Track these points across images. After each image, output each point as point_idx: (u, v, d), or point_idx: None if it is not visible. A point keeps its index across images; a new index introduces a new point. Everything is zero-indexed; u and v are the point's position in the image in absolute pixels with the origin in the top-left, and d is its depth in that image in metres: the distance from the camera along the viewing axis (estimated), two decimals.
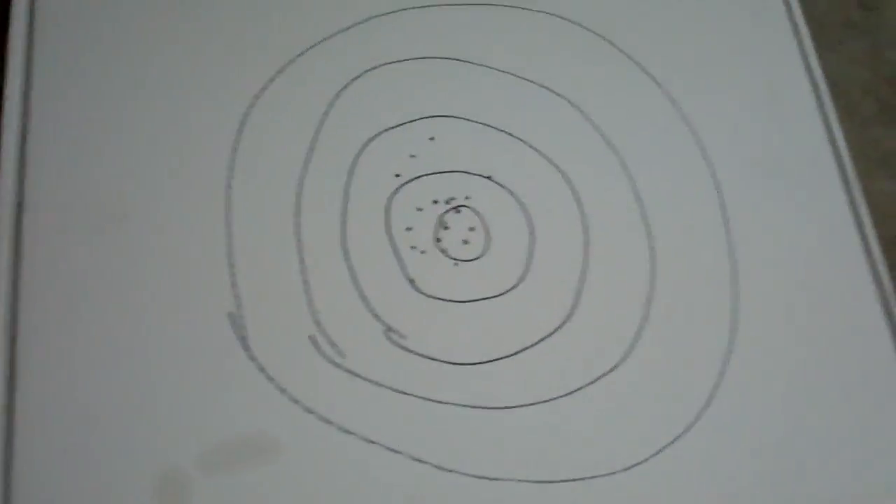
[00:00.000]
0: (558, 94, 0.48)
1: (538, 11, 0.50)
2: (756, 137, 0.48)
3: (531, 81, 0.48)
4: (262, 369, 0.39)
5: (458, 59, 0.48)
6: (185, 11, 0.46)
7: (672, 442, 0.41)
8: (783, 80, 0.50)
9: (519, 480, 0.39)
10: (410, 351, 0.41)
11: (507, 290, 0.43)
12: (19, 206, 0.41)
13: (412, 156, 0.45)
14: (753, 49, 0.51)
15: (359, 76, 0.47)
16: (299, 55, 0.46)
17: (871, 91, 0.56)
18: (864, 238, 0.46)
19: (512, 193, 0.45)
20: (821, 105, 0.49)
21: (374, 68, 0.47)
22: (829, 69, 0.51)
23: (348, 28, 0.48)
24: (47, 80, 0.44)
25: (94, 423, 0.37)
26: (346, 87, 0.46)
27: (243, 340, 0.39)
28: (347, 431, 0.38)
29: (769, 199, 0.47)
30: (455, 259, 0.43)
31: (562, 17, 0.50)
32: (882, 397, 0.43)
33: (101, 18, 0.45)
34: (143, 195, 0.42)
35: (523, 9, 0.50)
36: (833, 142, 0.48)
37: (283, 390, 0.39)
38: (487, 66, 0.48)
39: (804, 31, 0.51)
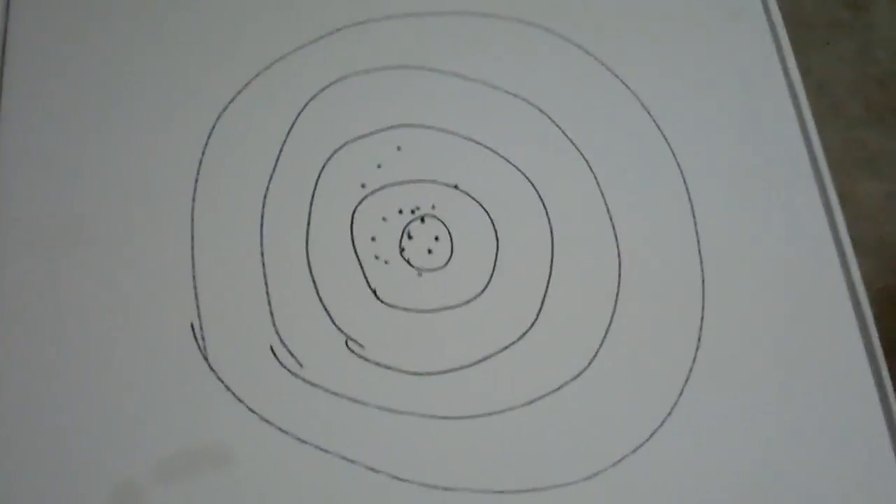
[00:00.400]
0: (527, 102, 0.48)
1: (510, 19, 0.50)
2: (730, 142, 0.48)
3: (501, 89, 0.48)
4: (220, 379, 0.39)
5: (426, 69, 0.48)
6: (152, 28, 0.47)
7: (634, 451, 0.40)
8: (759, 83, 0.49)
9: (477, 491, 0.39)
10: (369, 361, 0.41)
11: (470, 300, 0.43)
12: None
13: (378, 166, 0.45)
14: (729, 52, 0.50)
15: (327, 87, 0.47)
16: (266, 67, 0.47)
17: (859, 91, 0.55)
18: (838, 241, 0.45)
19: (478, 202, 0.45)
20: (798, 107, 0.48)
21: (342, 79, 0.47)
22: (816, 69, 0.50)
23: (316, 40, 0.48)
24: (16, 99, 0.45)
25: (53, 431, 0.38)
26: (313, 97, 0.47)
27: (203, 350, 0.40)
28: (304, 441, 0.39)
29: (741, 204, 0.46)
30: (419, 269, 0.43)
31: (533, 25, 0.50)
32: (851, 401, 0.42)
33: (70, 39, 0.46)
34: (109, 206, 0.43)
35: (495, 17, 0.50)
36: (809, 145, 0.48)
37: (240, 400, 0.39)
38: (456, 75, 0.48)
39: (782, 32, 0.50)
